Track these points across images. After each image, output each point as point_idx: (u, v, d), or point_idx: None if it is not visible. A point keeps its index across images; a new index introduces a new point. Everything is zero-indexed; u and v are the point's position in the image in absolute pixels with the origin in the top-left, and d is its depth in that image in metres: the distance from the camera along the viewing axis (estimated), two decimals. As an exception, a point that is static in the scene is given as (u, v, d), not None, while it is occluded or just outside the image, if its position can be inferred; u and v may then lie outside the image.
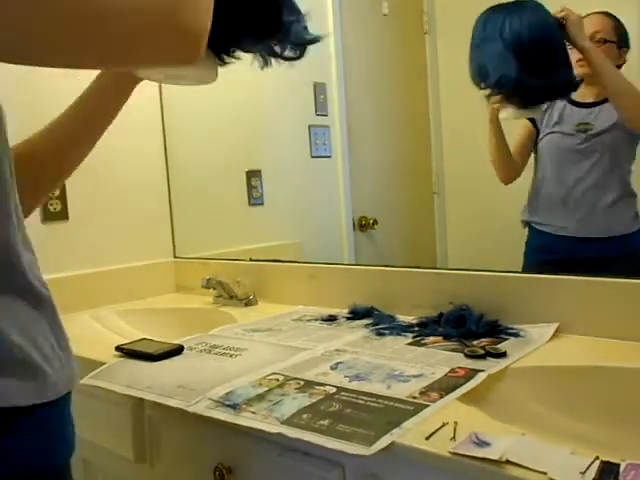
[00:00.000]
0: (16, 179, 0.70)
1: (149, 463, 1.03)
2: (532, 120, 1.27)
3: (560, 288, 1.10)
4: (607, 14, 1.16)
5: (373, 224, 1.64)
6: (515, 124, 1.29)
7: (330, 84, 1.70)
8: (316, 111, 1.72)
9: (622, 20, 1.16)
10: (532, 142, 1.28)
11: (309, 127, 1.72)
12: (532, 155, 1.29)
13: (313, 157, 1.73)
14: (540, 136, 1.27)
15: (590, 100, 1.21)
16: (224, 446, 0.88)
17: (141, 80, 0.87)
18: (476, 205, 1.42)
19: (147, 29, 0.54)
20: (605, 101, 1.19)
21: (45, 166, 0.86)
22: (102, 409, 1.11)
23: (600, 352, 1.00)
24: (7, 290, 0.62)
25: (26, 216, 0.79)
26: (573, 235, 1.24)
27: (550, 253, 1.27)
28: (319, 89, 1.71)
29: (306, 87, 1.72)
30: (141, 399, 0.97)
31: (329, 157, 1.73)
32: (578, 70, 1.20)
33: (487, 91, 1.22)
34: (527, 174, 1.29)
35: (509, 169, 1.31)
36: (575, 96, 1.23)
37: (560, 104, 1.24)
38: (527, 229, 1.30)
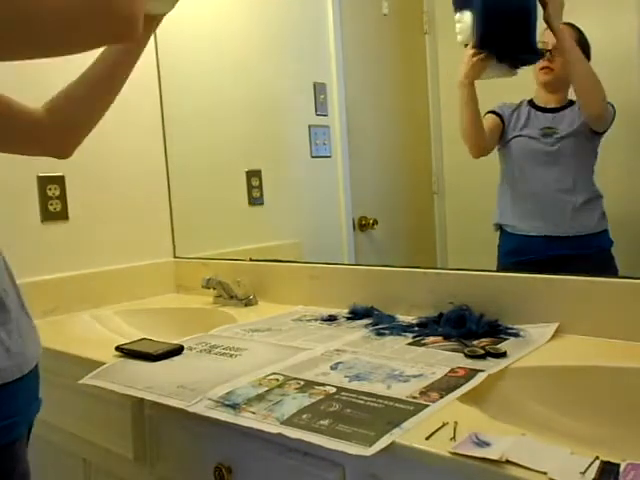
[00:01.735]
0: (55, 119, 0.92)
1: (149, 463, 1.03)
2: (499, 115, 1.29)
3: (560, 288, 1.10)
4: (571, 25, 1.18)
5: (373, 224, 1.64)
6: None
7: (330, 84, 1.70)
8: (316, 111, 1.72)
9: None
10: (498, 134, 1.29)
11: (309, 127, 1.72)
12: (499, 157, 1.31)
13: (313, 157, 1.73)
14: (507, 138, 1.28)
15: (553, 105, 1.24)
16: (224, 446, 0.88)
17: (160, 18, 0.95)
18: (476, 205, 1.42)
19: (85, 19, 0.61)
20: (567, 107, 1.22)
21: (81, 104, 0.97)
22: (102, 409, 1.11)
23: (600, 352, 1.00)
24: None
25: (70, 154, 1.00)
26: (545, 235, 1.26)
27: (523, 254, 1.28)
28: (319, 89, 1.71)
29: (306, 87, 1.72)
30: (141, 399, 0.97)
31: (329, 157, 1.73)
32: (541, 77, 1.24)
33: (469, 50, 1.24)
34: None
35: (482, 142, 1.30)
36: (538, 101, 1.26)
37: (525, 109, 1.27)
38: (498, 233, 1.32)
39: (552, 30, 1.18)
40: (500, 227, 1.32)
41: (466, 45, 1.25)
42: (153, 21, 0.94)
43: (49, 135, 0.96)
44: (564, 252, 1.23)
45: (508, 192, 1.31)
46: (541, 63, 1.21)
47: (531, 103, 1.27)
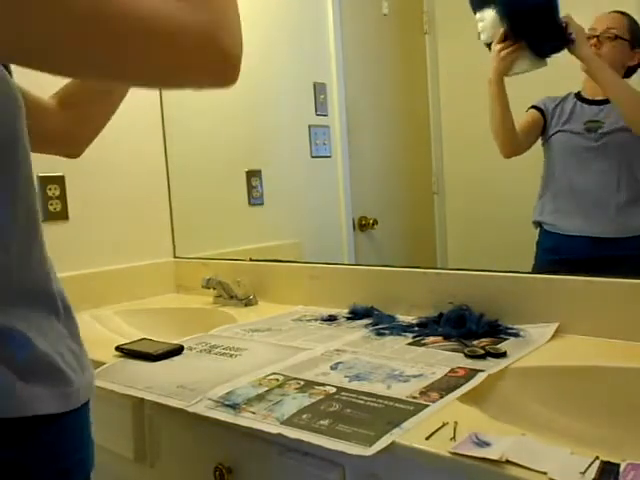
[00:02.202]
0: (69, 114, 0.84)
1: (149, 463, 1.03)
2: (540, 110, 1.25)
3: (560, 288, 1.10)
4: (623, 13, 1.15)
5: (373, 224, 1.64)
6: (519, 110, 1.26)
7: (330, 84, 1.70)
8: (316, 111, 1.72)
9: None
10: (539, 130, 1.25)
11: (309, 127, 1.72)
12: (542, 152, 1.27)
13: (313, 157, 1.73)
14: (550, 133, 1.24)
15: (600, 97, 1.19)
16: (224, 446, 0.88)
17: None
18: (476, 205, 1.42)
19: (189, 52, 0.55)
20: None
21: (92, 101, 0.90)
22: (102, 409, 1.10)
23: (600, 352, 1.00)
24: (29, 300, 0.63)
25: (82, 151, 0.92)
26: (585, 235, 1.22)
27: (562, 253, 1.25)
28: (319, 89, 1.71)
29: (306, 87, 1.72)
30: (141, 399, 0.97)
31: (329, 157, 1.73)
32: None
33: (496, 46, 1.20)
34: (532, 174, 1.28)
35: (512, 141, 1.26)
36: (585, 93, 1.21)
37: (570, 101, 1.23)
38: (538, 230, 1.28)
39: (580, 59, 1.15)
40: (540, 224, 1.28)
41: (489, 44, 1.23)
42: None
43: (61, 130, 0.88)
44: (605, 253, 1.19)
45: (548, 189, 1.27)
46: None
47: (578, 95, 1.22)
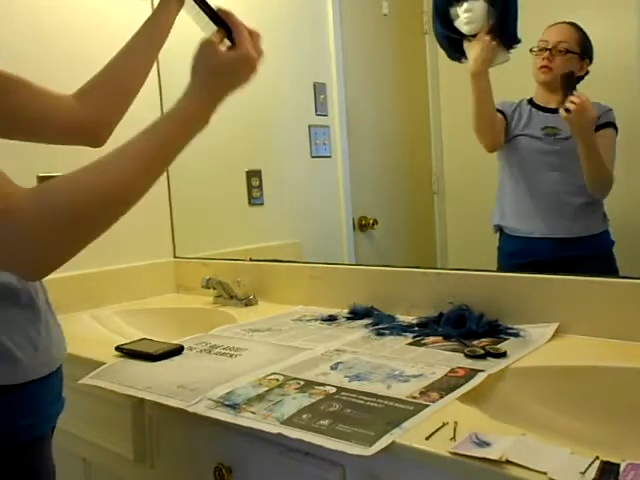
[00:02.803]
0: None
1: (149, 463, 1.03)
2: (502, 112, 1.28)
3: (560, 288, 1.10)
4: (574, 25, 1.18)
5: (373, 224, 1.64)
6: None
7: (330, 84, 1.70)
8: (316, 111, 1.72)
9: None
10: (503, 130, 1.28)
11: (309, 127, 1.72)
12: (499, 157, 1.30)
13: (313, 157, 1.73)
14: (509, 137, 1.27)
15: (553, 106, 1.22)
16: (224, 446, 0.88)
17: None
18: (476, 205, 1.42)
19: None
20: None
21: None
22: (102, 409, 1.11)
23: (600, 352, 1.00)
24: None
25: (104, 142, 0.96)
26: (548, 237, 1.25)
27: (525, 257, 1.27)
28: (319, 89, 1.71)
29: (306, 87, 1.72)
30: (141, 399, 0.97)
31: (329, 157, 1.73)
32: (540, 76, 1.23)
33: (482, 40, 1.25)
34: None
35: (495, 134, 1.28)
36: (538, 100, 1.25)
37: (525, 107, 1.27)
38: (498, 234, 1.31)
39: (579, 141, 1.18)
40: (500, 228, 1.31)
41: (473, 36, 1.25)
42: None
43: (83, 122, 0.94)
44: (566, 254, 1.22)
45: (509, 193, 1.30)
46: (540, 62, 1.21)
47: (531, 102, 1.26)
